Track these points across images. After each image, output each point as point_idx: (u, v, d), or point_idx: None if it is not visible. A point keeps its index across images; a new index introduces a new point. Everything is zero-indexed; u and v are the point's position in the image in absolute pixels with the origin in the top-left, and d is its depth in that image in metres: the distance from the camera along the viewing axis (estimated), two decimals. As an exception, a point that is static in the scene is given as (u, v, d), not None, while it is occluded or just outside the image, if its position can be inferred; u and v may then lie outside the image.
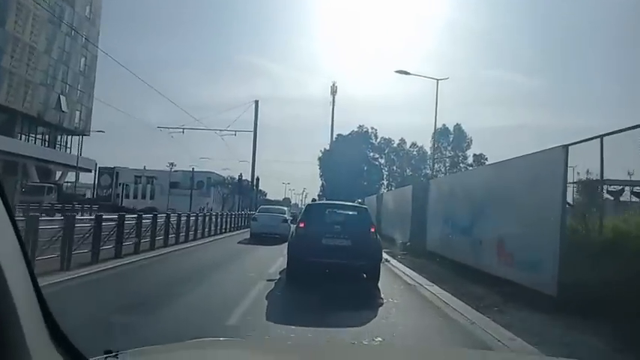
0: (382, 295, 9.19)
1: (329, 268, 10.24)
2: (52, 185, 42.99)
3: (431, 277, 11.44)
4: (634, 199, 10.24)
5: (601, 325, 6.14)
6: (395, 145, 73.36)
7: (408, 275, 12.22)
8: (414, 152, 72.86)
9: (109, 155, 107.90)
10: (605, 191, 9.78)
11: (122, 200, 50.03)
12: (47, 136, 50.83)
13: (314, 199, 46.31)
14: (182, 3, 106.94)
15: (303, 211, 12.65)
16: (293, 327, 6.19)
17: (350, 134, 71.40)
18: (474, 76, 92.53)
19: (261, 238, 20.64)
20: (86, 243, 10.81)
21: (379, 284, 10.05)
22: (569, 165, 8.46)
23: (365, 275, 10.45)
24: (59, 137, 52.71)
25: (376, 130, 72.64)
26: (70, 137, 53.40)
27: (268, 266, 12.18)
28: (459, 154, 69.22)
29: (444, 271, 12.21)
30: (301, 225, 10.76)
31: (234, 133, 46.88)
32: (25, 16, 42.47)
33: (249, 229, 24.27)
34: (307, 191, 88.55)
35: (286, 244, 11.40)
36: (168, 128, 45.21)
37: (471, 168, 58.56)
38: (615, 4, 69.72)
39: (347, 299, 8.20)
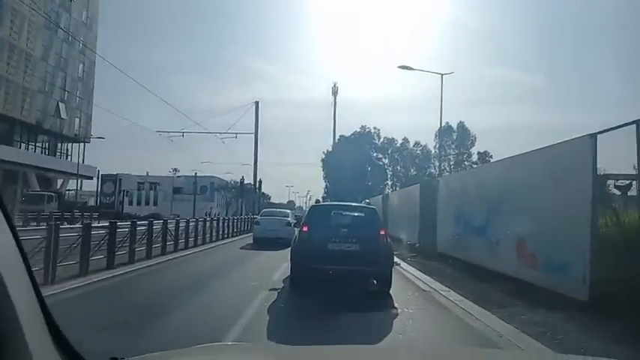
0: (396, 304, 8.39)
1: (335, 275, 9.45)
2: (53, 194, 42.35)
3: (446, 281, 10.75)
4: None
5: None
6: (398, 144, 72.51)
7: (420, 280, 11.49)
8: (418, 151, 72.03)
9: (110, 162, 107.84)
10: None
11: (124, 207, 49.39)
12: (47, 144, 50.43)
13: (317, 201, 45.40)
14: (181, 7, 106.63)
15: (306, 213, 11.86)
16: (298, 347, 5.39)
17: (352, 135, 70.77)
18: (475, 75, 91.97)
19: (264, 243, 19.99)
20: (74, 254, 10.09)
21: (391, 291, 9.29)
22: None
23: (375, 282, 9.68)
24: (59, 145, 52.26)
25: (379, 130, 71.98)
26: (70, 144, 52.91)
27: (271, 273, 11.46)
28: (464, 152, 68.52)
29: (459, 274, 11.54)
30: (304, 229, 9.91)
31: (234, 135, 46.51)
32: (21, 22, 41.93)
33: (252, 233, 23.73)
34: (311, 193, 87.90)
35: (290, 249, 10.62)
36: (167, 132, 44.70)
37: (475, 166, 57.75)
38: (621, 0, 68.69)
39: (357, 310, 7.50)
